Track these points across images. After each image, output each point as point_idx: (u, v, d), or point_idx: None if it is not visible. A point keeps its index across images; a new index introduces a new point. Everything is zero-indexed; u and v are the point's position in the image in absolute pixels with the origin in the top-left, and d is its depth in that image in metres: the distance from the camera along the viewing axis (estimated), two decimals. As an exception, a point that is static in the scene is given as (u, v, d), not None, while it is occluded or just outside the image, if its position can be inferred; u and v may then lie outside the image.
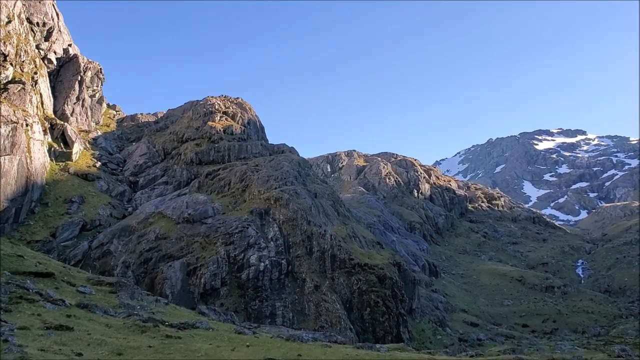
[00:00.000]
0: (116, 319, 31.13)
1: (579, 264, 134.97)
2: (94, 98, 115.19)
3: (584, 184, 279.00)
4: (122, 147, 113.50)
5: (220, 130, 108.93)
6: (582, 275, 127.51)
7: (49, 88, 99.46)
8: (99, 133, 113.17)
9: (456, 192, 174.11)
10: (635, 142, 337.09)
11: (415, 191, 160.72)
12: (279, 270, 69.91)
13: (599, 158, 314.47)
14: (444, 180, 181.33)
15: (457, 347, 66.81)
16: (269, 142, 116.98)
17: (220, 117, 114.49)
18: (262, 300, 66.16)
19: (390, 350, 37.67)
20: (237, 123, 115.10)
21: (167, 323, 32.52)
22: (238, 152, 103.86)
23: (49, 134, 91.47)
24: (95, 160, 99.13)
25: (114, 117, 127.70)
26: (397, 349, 40.39)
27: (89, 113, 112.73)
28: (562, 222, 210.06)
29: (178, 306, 48.12)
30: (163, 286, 64.69)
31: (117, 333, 26.90)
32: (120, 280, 47.62)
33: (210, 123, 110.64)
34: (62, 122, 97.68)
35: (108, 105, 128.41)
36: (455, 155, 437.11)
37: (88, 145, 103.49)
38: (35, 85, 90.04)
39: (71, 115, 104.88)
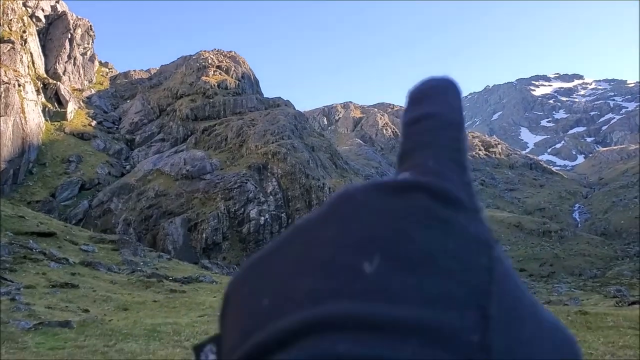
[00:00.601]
0: (120, 276, 31.62)
1: (575, 208, 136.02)
2: (85, 56, 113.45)
3: (581, 129, 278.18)
4: (116, 105, 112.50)
5: (214, 85, 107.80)
6: (579, 219, 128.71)
7: (39, 47, 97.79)
8: (93, 91, 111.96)
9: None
10: (633, 84, 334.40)
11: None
12: (279, 223, 70.56)
13: (596, 102, 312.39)
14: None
15: (456, 292, 68.13)
16: (264, 96, 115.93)
17: (214, 71, 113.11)
18: (263, 253, 66.99)
19: (391, 297, 38.35)
20: (231, 77, 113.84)
21: (170, 278, 33.05)
22: (233, 107, 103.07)
23: (42, 94, 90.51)
24: (91, 119, 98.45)
25: (106, 74, 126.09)
26: (397, 296, 41.14)
27: (82, 71, 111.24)
28: (559, 168, 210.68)
29: (181, 261, 48.75)
30: (165, 242, 65.40)
31: (122, 289, 27.37)
32: (122, 237, 48.11)
33: (204, 78, 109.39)
34: (54, 82, 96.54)
35: (100, 63, 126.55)
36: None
37: (82, 104, 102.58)
38: (24, 44, 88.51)
39: (63, 74, 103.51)
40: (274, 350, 0.32)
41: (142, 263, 38.92)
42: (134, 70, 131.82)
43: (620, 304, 29.97)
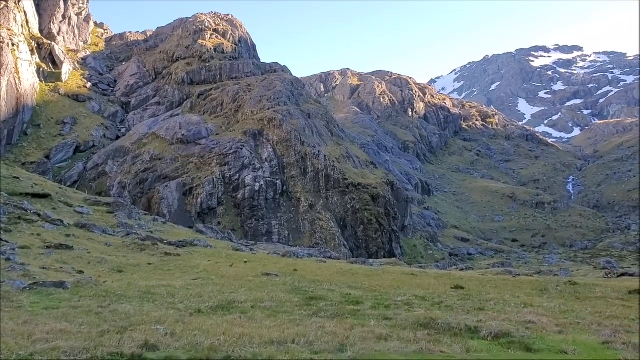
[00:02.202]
0: (115, 238, 31.80)
1: (569, 181, 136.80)
2: (80, 16, 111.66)
3: (578, 101, 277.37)
4: (112, 67, 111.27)
5: (210, 48, 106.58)
6: (572, 192, 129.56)
7: (33, 6, 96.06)
8: (88, 53, 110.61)
9: (451, 110, 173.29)
10: (632, 58, 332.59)
11: (410, 110, 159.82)
12: (274, 190, 70.70)
13: (594, 75, 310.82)
14: (439, 99, 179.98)
15: (447, 261, 68.93)
16: (261, 61, 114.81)
17: (211, 35, 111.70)
18: (258, 219, 67.34)
19: (383, 264, 38.89)
20: (228, 41, 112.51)
21: (165, 241, 33.27)
22: (230, 72, 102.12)
23: (36, 54, 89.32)
24: (86, 81, 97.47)
25: (102, 36, 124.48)
26: (390, 264, 41.68)
27: (76, 32, 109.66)
28: (555, 140, 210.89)
29: (176, 225, 49.01)
30: (160, 206, 65.55)
31: (117, 251, 27.56)
32: (117, 200, 48.23)
33: (200, 41, 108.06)
34: (49, 42, 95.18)
35: (95, 23, 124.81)
36: (451, 73, 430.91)
37: (77, 66, 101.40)
38: (18, 2, 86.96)
39: (58, 34, 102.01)
40: None
41: (137, 226, 39.11)
42: (130, 32, 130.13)
43: (609, 276, 30.39)
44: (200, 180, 69.54)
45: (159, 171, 72.34)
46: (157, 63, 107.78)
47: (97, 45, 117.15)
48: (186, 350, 8.49)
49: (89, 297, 14.18)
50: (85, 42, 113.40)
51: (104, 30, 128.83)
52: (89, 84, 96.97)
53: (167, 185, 68.69)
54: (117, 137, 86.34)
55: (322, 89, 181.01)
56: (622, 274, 30.44)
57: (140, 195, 69.39)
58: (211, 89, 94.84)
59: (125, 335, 9.33)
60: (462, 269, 40.43)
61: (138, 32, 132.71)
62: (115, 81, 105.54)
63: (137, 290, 16.10)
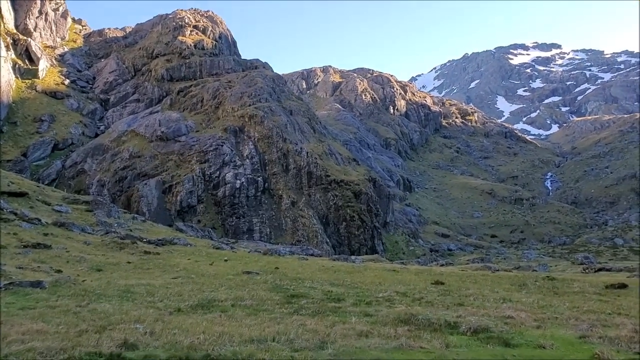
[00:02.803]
0: (94, 237, 31.44)
1: (548, 177, 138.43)
2: (57, 12, 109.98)
3: (556, 99, 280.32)
4: (90, 63, 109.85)
5: (190, 45, 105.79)
6: (550, 188, 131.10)
7: (8, 1, 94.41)
8: (66, 49, 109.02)
9: (431, 108, 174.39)
10: (609, 55, 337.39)
11: (391, 108, 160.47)
12: (255, 187, 70.46)
13: (572, 72, 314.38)
14: (420, 97, 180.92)
15: (428, 257, 69.37)
16: (242, 58, 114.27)
17: (191, 31, 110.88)
18: (239, 217, 67.07)
19: (365, 261, 39.00)
20: (208, 37, 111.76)
21: (145, 240, 32.99)
22: (210, 68, 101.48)
23: (12, 50, 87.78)
24: (64, 78, 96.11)
25: (80, 32, 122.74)
26: (372, 260, 41.81)
27: (54, 28, 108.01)
28: (533, 137, 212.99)
29: (155, 223, 48.63)
30: (139, 204, 64.96)
31: (96, 250, 27.25)
32: (96, 198, 47.70)
33: (180, 38, 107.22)
34: (25, 38, 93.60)
35: (73, 19, 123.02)
36: (431, 71, 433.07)
37: (55, 62, 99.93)
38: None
39: (34, 30, 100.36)
40: None
41: (116, 224, 38.75)
42: (109, 29, 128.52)
43: (587, 271, 30.84)
44: (180, 178, 69.06)
45: (138, 169, 71.69)
46: (136, 60, 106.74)
47: (75, 42, 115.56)
48: (165, 349, 8.44)
49: (67, 296, 14.00)
50: (62, 39, 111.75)
51: (82, 26, 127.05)
52: (67, 81, 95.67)
53: (146, 183, 68.10)
54: (96, 135, 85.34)
55: (304, 86, 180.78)
56: (600, 269, 30.92)
57: (119, 193, 68.71)
58: (191, 85, 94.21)
59: (104, 334, 9.23)
60: (442, 265, 40.74)
61: (117, 28, 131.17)
62: (94, 78, 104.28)
63: (117, 289, 15.94)
